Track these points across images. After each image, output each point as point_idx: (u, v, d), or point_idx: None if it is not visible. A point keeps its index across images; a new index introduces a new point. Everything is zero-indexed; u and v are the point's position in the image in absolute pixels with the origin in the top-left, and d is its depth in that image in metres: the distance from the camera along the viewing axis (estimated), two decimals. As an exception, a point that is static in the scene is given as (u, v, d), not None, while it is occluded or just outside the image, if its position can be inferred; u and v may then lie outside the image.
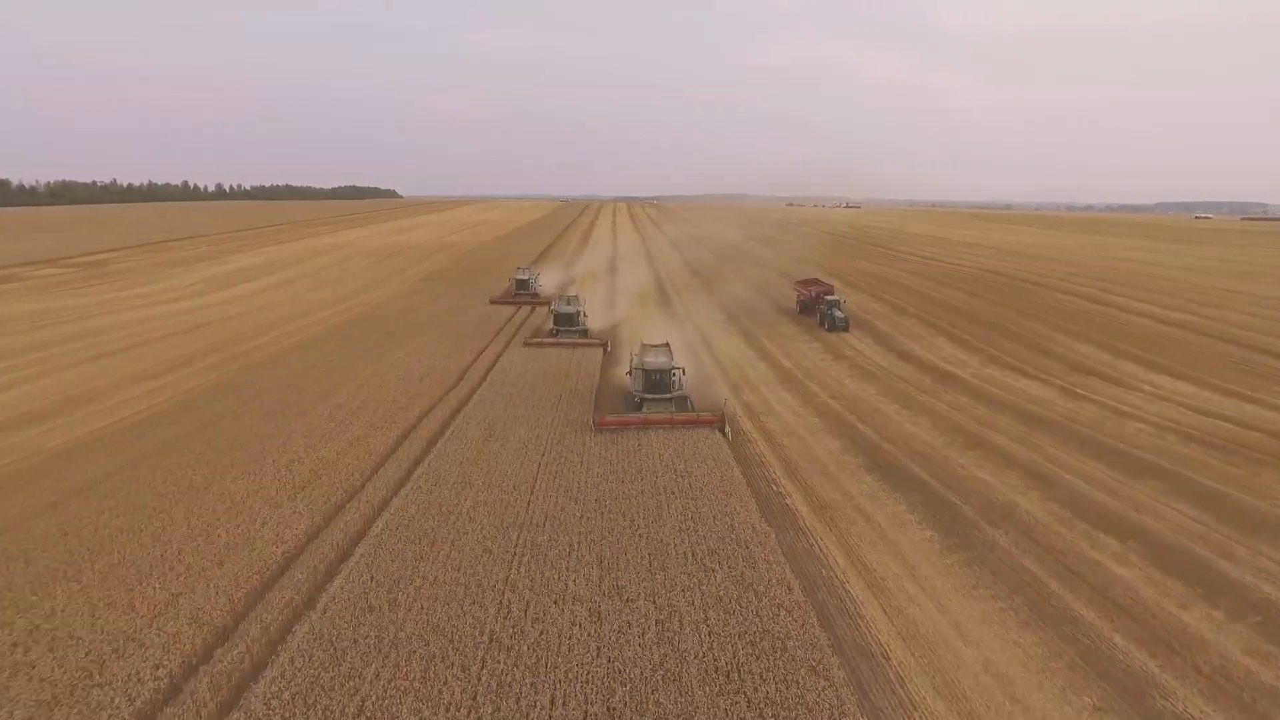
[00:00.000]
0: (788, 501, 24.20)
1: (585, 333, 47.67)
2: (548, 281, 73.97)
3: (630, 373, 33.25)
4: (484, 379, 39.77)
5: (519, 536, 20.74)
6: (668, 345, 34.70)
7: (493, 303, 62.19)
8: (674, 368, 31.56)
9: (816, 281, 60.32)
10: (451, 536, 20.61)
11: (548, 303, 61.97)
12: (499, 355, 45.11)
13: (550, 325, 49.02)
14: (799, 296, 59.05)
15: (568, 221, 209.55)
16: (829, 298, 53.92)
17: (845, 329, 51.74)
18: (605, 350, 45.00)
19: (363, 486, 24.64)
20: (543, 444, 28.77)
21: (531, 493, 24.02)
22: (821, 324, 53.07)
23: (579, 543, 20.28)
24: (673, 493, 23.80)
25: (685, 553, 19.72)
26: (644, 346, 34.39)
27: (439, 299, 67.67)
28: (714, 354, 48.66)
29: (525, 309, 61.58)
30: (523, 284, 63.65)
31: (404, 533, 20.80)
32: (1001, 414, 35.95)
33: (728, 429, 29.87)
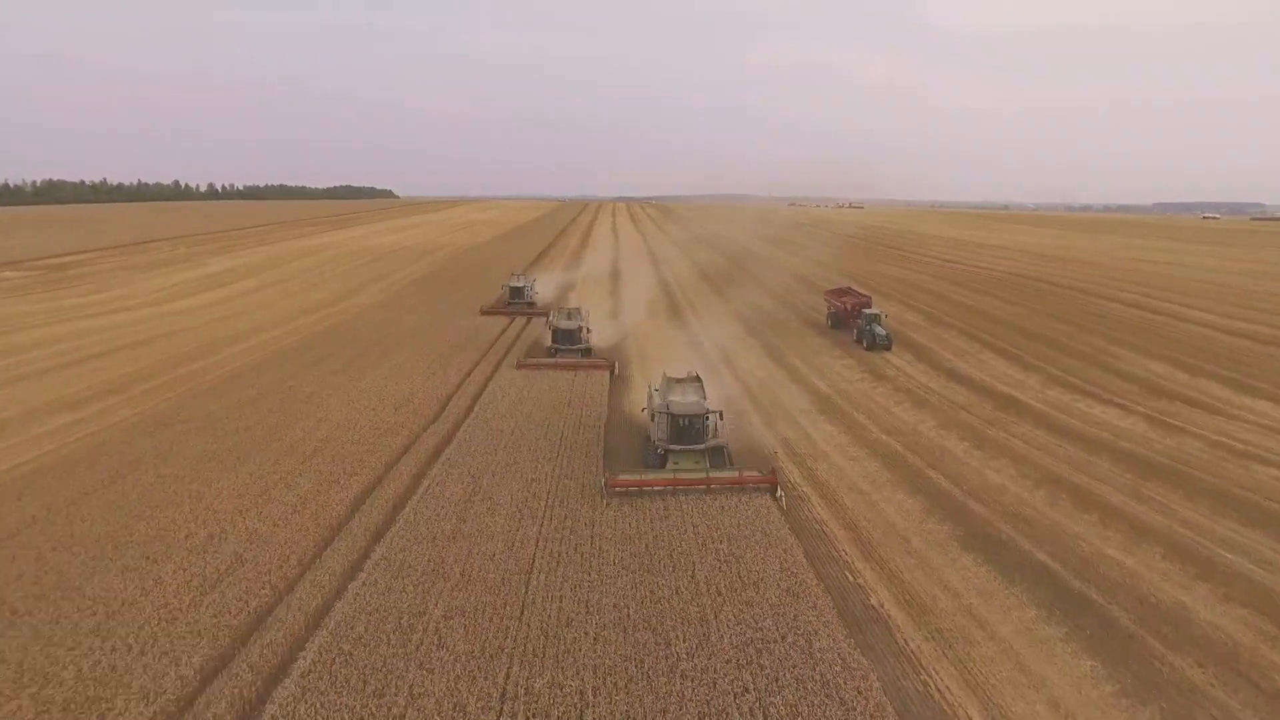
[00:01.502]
0: (873, 602, 17.90)
1: (589, 351, 41.09)
2: (545, 288, 67.46)
3: (651, 414, 26.50)
4: (470, 410, 33.40)
5: (508, 675, 14.40)
6: (698, 379, 27.79)
7: (484, 313, 55.65)
8: (709, 411, 25.06)
9: (849, 292, 53.64)
10: (411, 676, 14.26)
11: (545, 313, 55.49)
12: (489, 378, 38.70)
13: (548, 342, 42.34)
14: (830, 308, 52.40)
15: (566, 222, 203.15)
16: (867, 311, 47.70)
17: (888, 347, 45.29)
18: (612, 373, 38.56)
19: (300, 578, 18.28)
20: (541, 509, 22.42)
21: (527, 591, 17.69)
22: (859, 341, 46.51)
23: (595, 689, 13.95)
24: (720, 593, 17.47)
25: (753, 708, 13.41)
26: (668, 380, 27.60)
27: (426, 307, 61.28)
28: (736, 373, 42.33)
29: (519, 320, 55.09)
30: (517, 292, 57.04)
31: (342, 669, 14.44)
32: (1093, 454, 29.78)
33: (781, 494, 23.31)
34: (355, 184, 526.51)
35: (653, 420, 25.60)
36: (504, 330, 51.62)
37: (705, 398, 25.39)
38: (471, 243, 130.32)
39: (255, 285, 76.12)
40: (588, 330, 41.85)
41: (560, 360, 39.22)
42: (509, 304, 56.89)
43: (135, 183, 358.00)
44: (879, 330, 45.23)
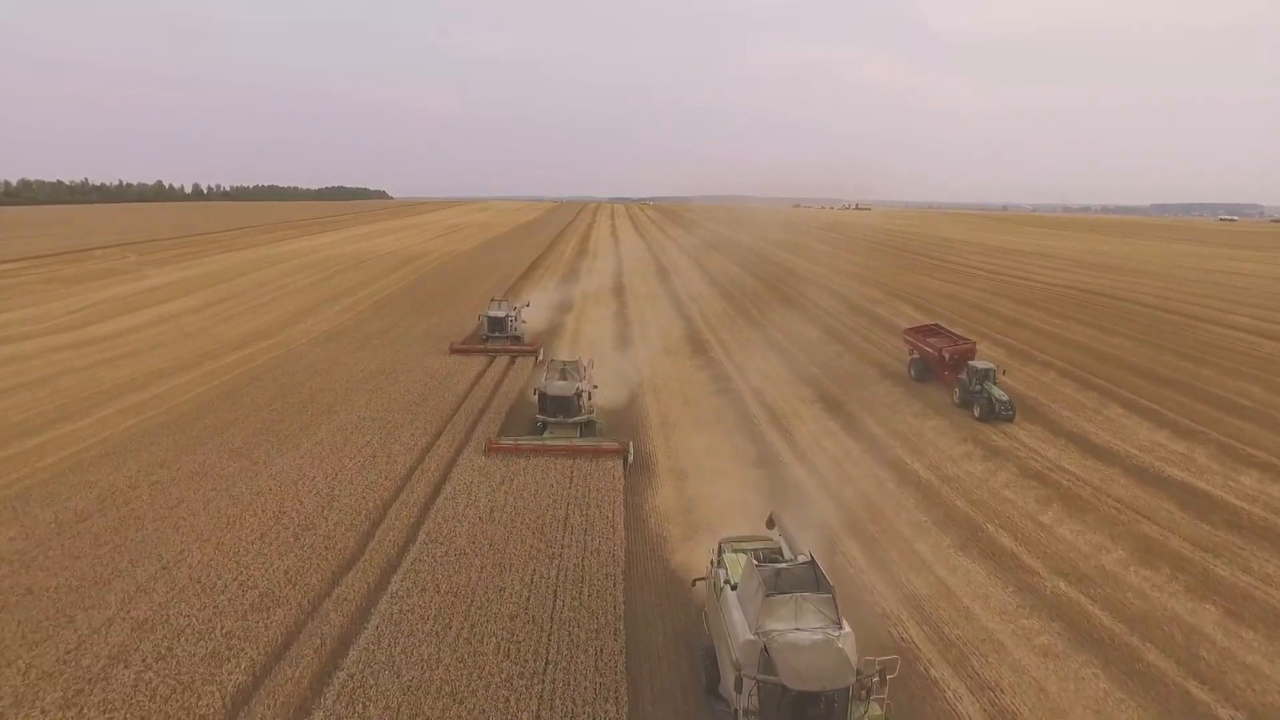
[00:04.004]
0: None
1: (592, 425, 28.90)
2: (537, 309, 55.21)
3: (735, 677, 12.30)
4: (414, 532, 21.58)
5: None
6: (814, 572, 13.39)
7: (454, 350, 43.46)
8: (858, 675, 11.59)
9: (939, 331, 40.29)
10: None
11: (533, 350, 43.40)
12: (447, 468, 26.72)
13: (537, 409, 29.79)
14: (912, 352, 39.70)
15: (562, 225, 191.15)
16: (976, 365, 34.09)
17: (1010, 418, 32.63)
18: (626, 461, 26.52)
19: None
20: None
21: None
22: (965, 405, 33.82)
23: None
24: None
25: None
26: (757, 576, 13.05)
27: (387, 337, 49.29)
28: (799, 450, 30.47)
29: (500, 360, 42.73)
30: (497, 323, 44.55)
31: None
32: None
33: None
34: (348, 185, 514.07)
35: (738, 688, 11.93)
36: (479, 376, 39.48)
37: (840, 623, 12.46)
38: (457, 249, 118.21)
39: (194, 305, 64.03)
40: (590, 392, 29.54)
41: (550, 443, 27.01)
42: (487, 338, 44.54)
43: (116, 183, 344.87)
44: (999, 394, 32.64)
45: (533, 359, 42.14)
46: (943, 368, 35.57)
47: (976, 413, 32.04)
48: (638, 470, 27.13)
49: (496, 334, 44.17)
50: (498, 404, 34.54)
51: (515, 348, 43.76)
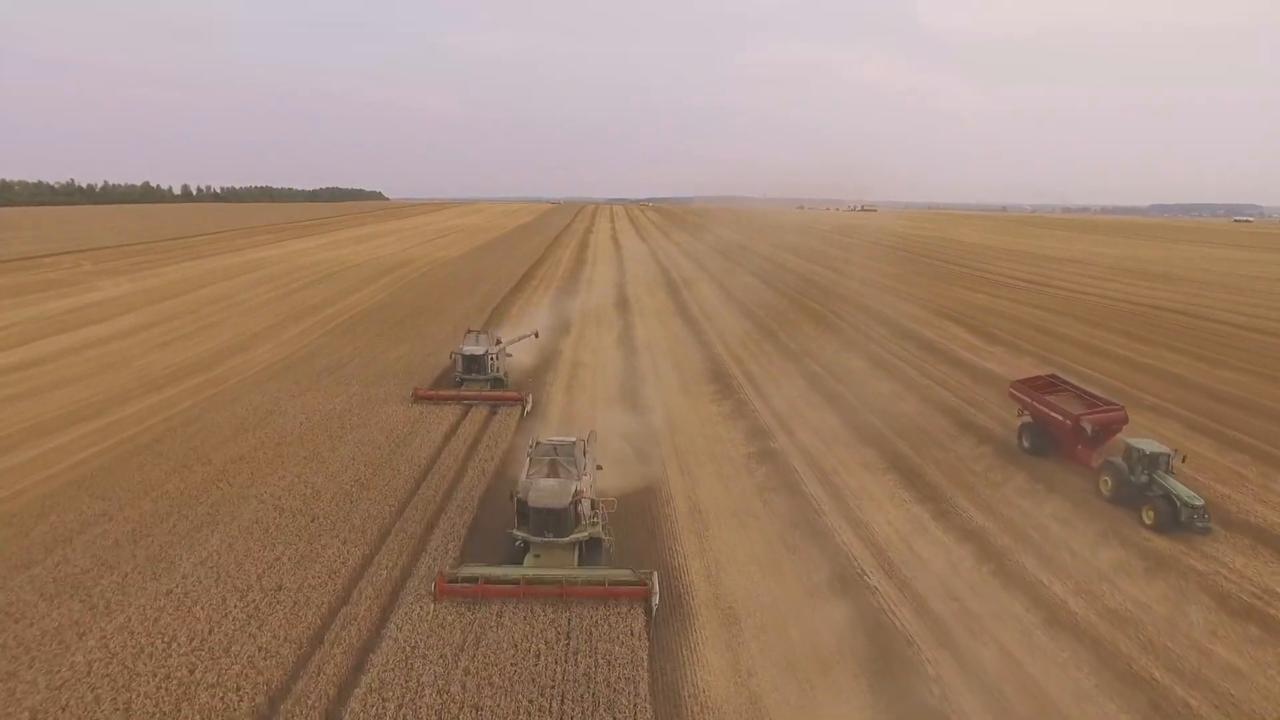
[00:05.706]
0: None
1: (598, 545, 19.33)
2: (529, 328, 45.91)
3: None
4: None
5: None
6: None
7: (419, 398, 34.35)
8: None
9: (1056, 385, 29.28)
10: None
11: (519, 398, 34.06)
12: (384, 615, 17.79)
13: (515, 520, 19.62)
14: (1022, 413, 28.82)
15: (559, 228, 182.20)
16: (1137, 444, 23.74)
17: (1207, 530, 21.97)
18: (651, 606, 17.51)
19: None
20: None
21: None
22: (1127, 503, 23.41)
23: None
24: None
25: None
26: None
27: (342, 373, 40.38)
28: (885, 559, 21.64)
29: (477, 411, 33.55)
30: (474, 362, 35.02)
31: None
32: None
33: None
34: (344, 186, 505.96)
35: None
36: (448, 437, 30.38)
37: None
38: (445, 256, 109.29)
39: (131, 325, 55.18)
40: (593, 499, 20.04)
41: (535, 579, 17.76)
42: (461, 380, 35.32)
43: (102, 184, 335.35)
44: (1185, 494, 22.17)
45: (519, 409, 33.14)
46: (1078, 442, 26.10)
47: (1148, 520, 22.52)
48: (667, 604, 18.31)
49: (473, 375, 34.92)
50: (468, 484, 25.54)
51: (496, 395, 34.45)
